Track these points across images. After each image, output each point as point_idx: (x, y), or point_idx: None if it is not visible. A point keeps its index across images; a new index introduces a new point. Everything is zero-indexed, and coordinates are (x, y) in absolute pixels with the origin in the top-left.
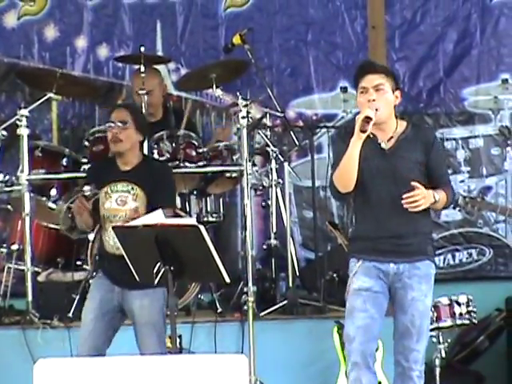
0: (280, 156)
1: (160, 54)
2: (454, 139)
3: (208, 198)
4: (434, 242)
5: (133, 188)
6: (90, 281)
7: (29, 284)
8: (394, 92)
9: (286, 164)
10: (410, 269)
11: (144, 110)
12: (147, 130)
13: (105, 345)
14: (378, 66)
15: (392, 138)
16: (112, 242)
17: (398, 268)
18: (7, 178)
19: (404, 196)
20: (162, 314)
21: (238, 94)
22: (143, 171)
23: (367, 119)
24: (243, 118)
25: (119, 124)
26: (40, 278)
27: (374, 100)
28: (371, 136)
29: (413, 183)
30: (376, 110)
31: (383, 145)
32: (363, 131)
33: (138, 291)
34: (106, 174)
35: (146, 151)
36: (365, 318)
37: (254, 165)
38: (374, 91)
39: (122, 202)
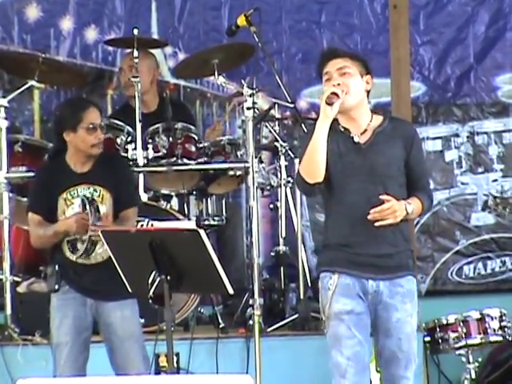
0: (290, 152)
1: (155, 36)
2: (486, 133)
3: (209, 199)
4: (413, 254)
5: (95, 190)
6: (52, 295)
7: (7, 295)
8: (363, 77)
9: (296, 161)
10: (391, 287)
11: (137, 100)
12: None
13: (84, 365)
14: (341, 51)
15: (366, 131)
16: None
17: (378, 286)
18: None
19: (371, 211)
20: (140, 326)
21: (242, 81)
22: (103, 169)
23: (333, 95)
24: (249, 109)
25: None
26: (20, 289)
27: (339, 84)
28: (342, 130)
29: (382, 197)
30: (343, 91)
31: (356, 138)
32: (330, 104)
33: (116, 302)
34: (59, 178)
35: (139, 145)
36: (354, 346)
37: (260, 162)
38: (339, 75)
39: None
